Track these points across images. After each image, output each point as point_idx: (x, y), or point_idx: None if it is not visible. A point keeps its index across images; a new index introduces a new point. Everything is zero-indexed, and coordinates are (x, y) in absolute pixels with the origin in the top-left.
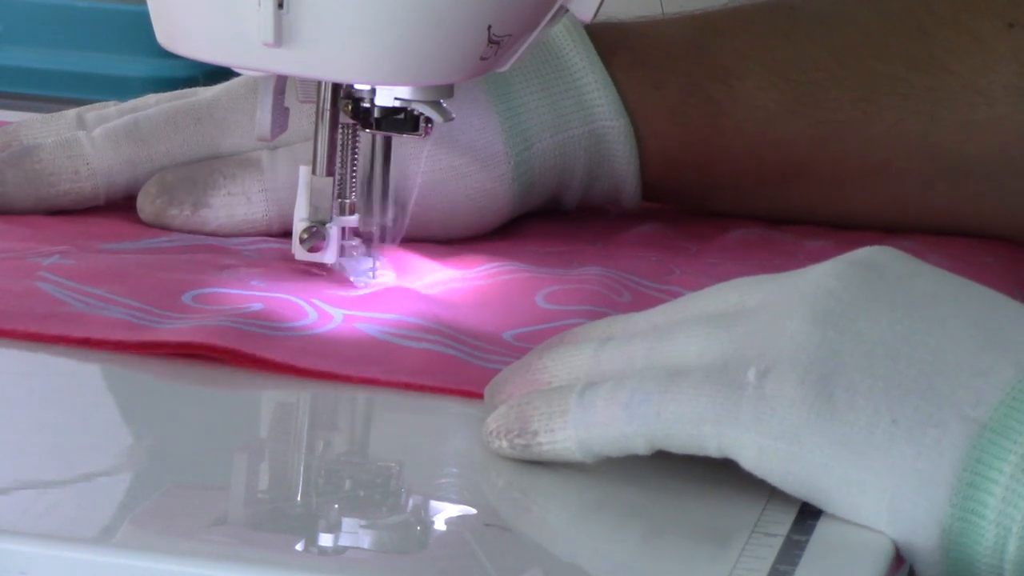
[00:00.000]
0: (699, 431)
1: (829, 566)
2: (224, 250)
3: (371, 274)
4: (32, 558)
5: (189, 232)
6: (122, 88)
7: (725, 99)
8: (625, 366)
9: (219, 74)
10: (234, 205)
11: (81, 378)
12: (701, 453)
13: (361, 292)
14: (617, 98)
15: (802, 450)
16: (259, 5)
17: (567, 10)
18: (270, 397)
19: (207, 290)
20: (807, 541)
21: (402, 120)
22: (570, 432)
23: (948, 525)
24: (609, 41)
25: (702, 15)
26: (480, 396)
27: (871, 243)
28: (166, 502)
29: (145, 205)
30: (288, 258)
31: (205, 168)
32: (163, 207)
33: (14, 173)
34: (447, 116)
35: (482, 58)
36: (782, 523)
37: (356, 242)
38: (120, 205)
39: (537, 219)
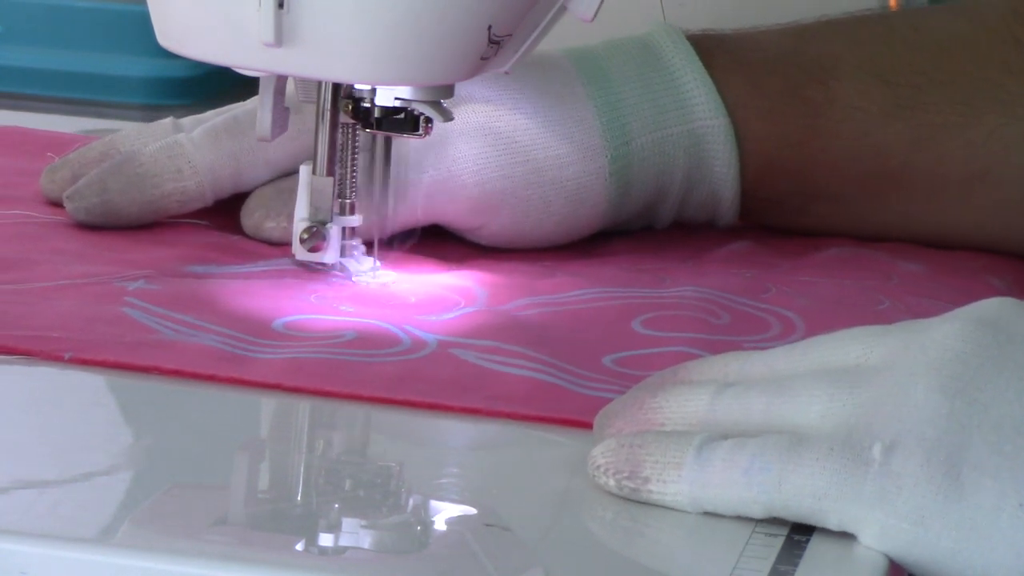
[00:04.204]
0: (820, 505)
1: (829, 566)
2: (309, 274)
3: (372, 274)
4: (32, 558)
5: (289, 242)
6: (122, 88)
7: (823, 101)
8: (742, 419)
9: (220, 74)
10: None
11: (81, 378)
12: (820, 525)
13: (452, 316)
14: (717, 97)
15: (927, 533)
16: (259, 5)
17: (567, 10)
18: (270, 397)
19: (298, 317)
20: (807, 541)
21: (402, 120)
22: (683, 487)
23: None
24: (707, 45)
25: (796, 24)
26: (583, 425)
27: (965, 265)
28: (166, 502)
29: (245, 220)
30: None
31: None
32: (260, 220)
33: (116, 179)
34: (447, 116)
35: (482, 58)
36: (782, 523)
37: (356, 242)
38: (199, 228)
39: (627, 238)
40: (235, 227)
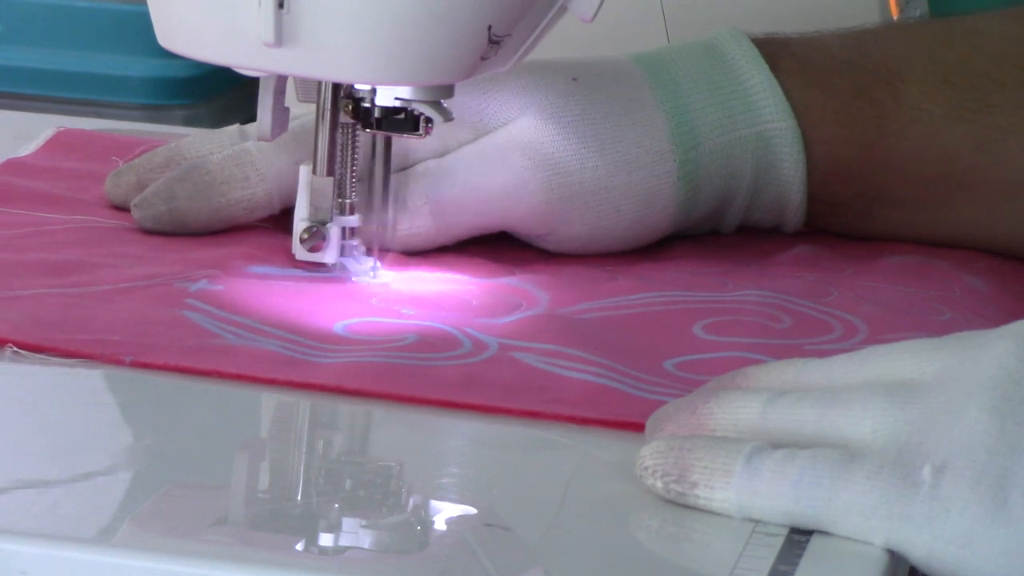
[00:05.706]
0: (868, 524)
1: (829, 566)
2: None
3: (372, 274)
4: (32, 558)
5: None
6: (122, 88)
7: (890, 102)
8: (794, 428)
9: (220, 74)
10: (398, 220)
11: (81, 378)
12: (866, 542)
13: (513, 319)
14: (784, 100)
15: (973, 556)
16: (259, 5)
17: (567, 10)
18: (270, 397)
19: (359, 320)
20: (807, 541)
21: (402, 120)
22: (731, 494)
23: None
24: (772, 48)
25: (858, 28)
26: (643, 429)
27: None
28: (166, 502)
29: None
30: (437, 282)
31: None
32: None
33: (184, 187)
34: (447, 116)
35: (482, 58)
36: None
37: (356, 242)
38: (261, 230)
39: (690, 242)
40: None
